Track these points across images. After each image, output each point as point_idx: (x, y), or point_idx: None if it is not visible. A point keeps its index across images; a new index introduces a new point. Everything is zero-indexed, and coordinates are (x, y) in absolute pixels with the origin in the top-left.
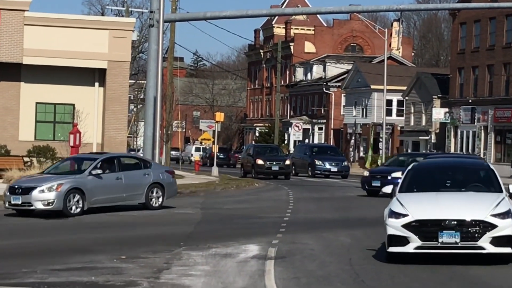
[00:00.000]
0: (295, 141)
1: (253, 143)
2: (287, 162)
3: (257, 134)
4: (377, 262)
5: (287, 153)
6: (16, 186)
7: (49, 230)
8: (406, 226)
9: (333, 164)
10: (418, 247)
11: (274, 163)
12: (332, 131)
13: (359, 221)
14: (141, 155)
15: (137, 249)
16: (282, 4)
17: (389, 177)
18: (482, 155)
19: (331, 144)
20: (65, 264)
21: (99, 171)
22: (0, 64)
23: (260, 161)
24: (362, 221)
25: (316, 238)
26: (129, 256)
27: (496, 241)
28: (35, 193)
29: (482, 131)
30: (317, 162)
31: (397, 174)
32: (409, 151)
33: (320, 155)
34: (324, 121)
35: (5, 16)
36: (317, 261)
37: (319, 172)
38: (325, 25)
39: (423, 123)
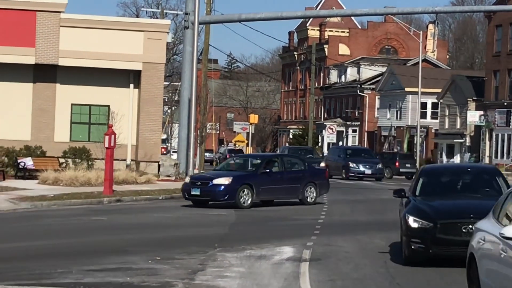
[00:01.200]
0: (328, 144)
1: (287, 145)
2: (322, 164)
3: (290, 136)
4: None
5: (321, 155)
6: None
7: (85, 230)
8: None
9: (367, 166)
10: None
11: None
12: (366, 133)
13: (394, 224)
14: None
15: (171, 250)
16: (317, 6)
17: (210, 184)
18: None
19: (365, 146)
20: (101, 264)
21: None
22: (36, 65)
23: None
24: (397, 223)
25: (351, 240)
26: (164, 257)
27: None
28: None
29: None
30: (351, 165)
31: (221, 181)
32: (443, 154)
33: (354, 157)
34: (358, 123)
35: (41, 18)
36: (352, 264)
37: (353, 174)
38: (360, 27)
39: (458, 126)
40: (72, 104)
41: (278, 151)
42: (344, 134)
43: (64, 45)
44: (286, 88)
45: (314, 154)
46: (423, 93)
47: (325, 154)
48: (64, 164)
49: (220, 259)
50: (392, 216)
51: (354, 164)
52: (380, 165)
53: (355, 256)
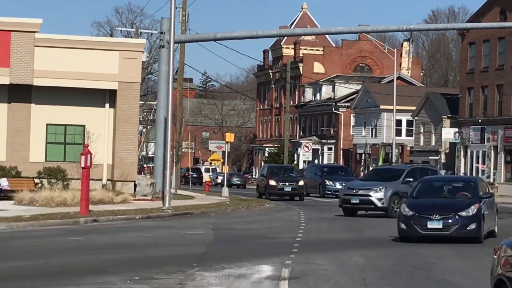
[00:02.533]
0: (304, 161)
1: (263, 163)
2: (301, 183)
3: (266, 155)
4: (392, 282)
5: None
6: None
7: (62, 251)
8: None
9: (343, 184)
10: None
11: (286, 183)
12: (341, 151)
13: (372, 241)
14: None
15: (150, 270)
16: (291, 25)
17: None
18: (492, 175)
19: (341, 164)
20: (79, 285)
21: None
22: (11, 85)
23: (272, 182)
24: (375, 241)
25: (329, 258)
26: (142, 277)
27: None
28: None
29: (492, 151)
30: (327, 182)
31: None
32: None
33: (330, 175)
34: (334, 141)
35: (16, 38)
36: (331, 282)
37: (329, 192)
38: (334, 45)
39: (433, 143)
40: (47, 124)
41: (255, 170)
42: (319, 152)
43: (39, 65)
44: (261, 107)
45: (295, 172)
46: (398, 111)
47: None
48: (40, 185)
49: (199, 279)
50: (370, 234)
51: (331, 182)
52: None
53: (334, 274)
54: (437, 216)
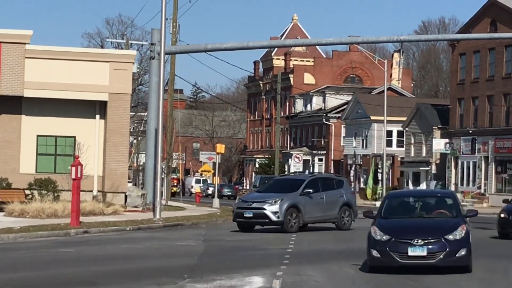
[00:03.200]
0: (295, 172)
1: (254, 174)
2: None
3: (257, 166)
4: None
5: None
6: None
7: (53, 262)
8: None
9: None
10: None
11: None
12: (332, 162)
13: (363, 252)
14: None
15: (141, 281)
16: (282, 36)
17: None
18: (482, 186)
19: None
20: None
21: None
22: (1, 97)
23: None
24: (365, 252)
25: (321, 269)
26: None
27: None
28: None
29: (483, 162)
30: None
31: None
32: (409, 182)
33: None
34: (324, 152)
35: (6, 49)
36: None
37: None
38: (325, 56)
39: (424, 154)
40: (38, 136)
41: (246, 181)
42: (310, 163)
43: (30, 76)
44: (251, 118)
45: None
46: (388, 122)
47: None
48: (30, 196)
49: None
50: (361, 245)
51: None
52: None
53: (325, 285)
54: (419, 241)
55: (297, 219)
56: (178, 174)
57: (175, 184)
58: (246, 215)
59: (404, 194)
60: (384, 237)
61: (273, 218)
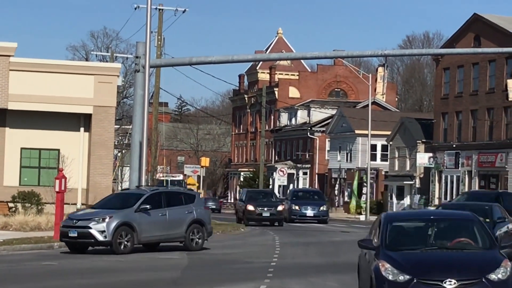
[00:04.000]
0: (279, 186)
1: (238, 188)
2: (280, 208)
3: (241, 179)
4: None
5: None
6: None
7: (36, 276)
8: None
9: (309, 208)
10: None
11: (265, 209)
12: (316, 176)
13: (347, 266)
14: None
15: None
16: (266, 49)
17: None
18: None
19: (316, 188)
20: None
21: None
22: None
23: (250, 207)
24: (350, 266)
25: (304, 283)
26: None
27: None
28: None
29: (466, 176)
30: (293, 207)
31: None
32: (393, 196)
33: (299, 199)
34: (309, 166)
35: None
36: None
37: (295, 217)
38: (309, 70)
39: (408, 168)
40: (21, 148)
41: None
42: (295, 177)
43: (14, 89)
44: (236, 131)
45: (274, 197)
46: (373, 136)
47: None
48: (14, 209)
49: None
50: (345, 258)
51: (297, 207)
52: (324, 207)
53: None
54: (453, 282)
55: (130, 239)
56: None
57: None
58: (71, 234)
59: (410, 216)
60: (402, 277)
61: (100, 237)
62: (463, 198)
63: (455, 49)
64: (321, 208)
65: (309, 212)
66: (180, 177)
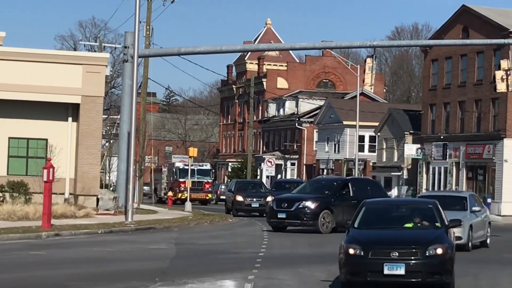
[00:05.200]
0: (267, 177)
1: (226, 178)
2: (269, 198)
3: (229, 170)
4: None
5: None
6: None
7: (23, 265)
8: None
9: (254, 200)
10: None
11: (254, 199)
12: (304, 166)
13: (334, 256)
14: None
15: (112, 284)
16: (255, 40)
17: None
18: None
19: (303, 179)
20: None
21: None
22: None
23: (239, 198)
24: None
25: (292, 273)
26: None
27: None
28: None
29: (454, 167)
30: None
31: None
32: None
33: (281, 190)
34: (297, 156)
35: None
36: None
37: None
38: (298, 61)
39: (395, 159)
40: (9, 138)
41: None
42: (283, 167)
43: (2, 78)
44: (224, 122)
45: (263, 188)
46: (360, 127)
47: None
48: (1, 198)
49: None
50: (332, 249)
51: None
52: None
53: None
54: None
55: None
56: (210, 179)
57: (210, 189)
58: None
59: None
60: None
61: None
62: (308, 187)
63: (444, 41)
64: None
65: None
66: (208, 166)
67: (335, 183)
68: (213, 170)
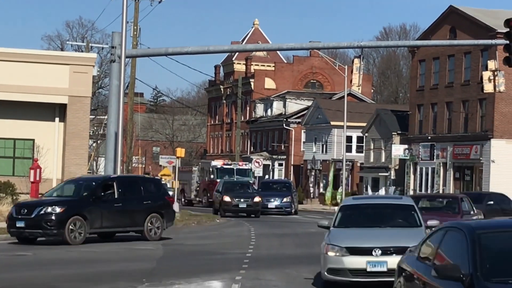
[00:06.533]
0: (255, 177)
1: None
2: (256, 199)
3: None
4: None
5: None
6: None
7: (10, 266)
8: None
9: (271, 200)
10: None
11: (241, 200)
12: (292, 167)
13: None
14: None
15: (99, 285)
16: (243, 40)
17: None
18: (441, 192)
19: (291, 179)
20: None
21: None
22: None
23: (227, 198)
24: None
25: (279, 274)
26: None
27: None
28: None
29: (441, 168)
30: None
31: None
32: (369, 188)
33: (266, 191)
34: (284, 157)
35: None
36: None
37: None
38: (285, 61)
39: (383, 160)
40: None
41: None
42: (270, 168)
43: None
44: (212, 122)
45: (251, 188)
46: (348, 127)
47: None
48: None
49: None
50: (320, 250)
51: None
52: (287, 199)
53: None
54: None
55: None
56: (251, 179)
57: None
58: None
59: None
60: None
61: None
62: (61, 188)
63: (431, 41)
64: (284, 199)
65: (270, 203)
66: (248, 165)
67: (94, 183)
68: (252, 170)
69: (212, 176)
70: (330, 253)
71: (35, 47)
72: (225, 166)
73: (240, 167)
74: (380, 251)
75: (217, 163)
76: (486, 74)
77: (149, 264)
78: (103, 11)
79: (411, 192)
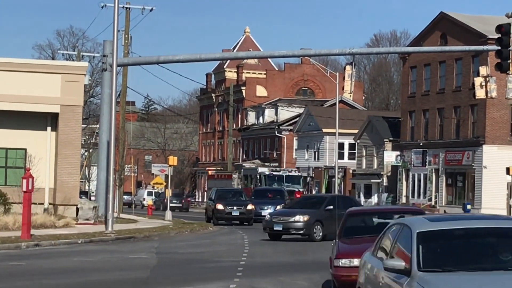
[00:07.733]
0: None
1: (207, 187)
2: (249, 207)
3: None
4: None
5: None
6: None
7: (3, 276)
8: None
9: (264, 208)
10: None
11: (234, 208)
12: None
13: (316, 265)
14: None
15: None
16: (234, 48)
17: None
18: (433, 198)
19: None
20: None
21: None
22: None
23: (220, 206)
24: (319, 264)
25: (274, 282)
26: None
27: None
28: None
29: (433, 174)
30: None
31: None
32: (361, 194)
33: (260, 199)
34: (277, 164)
35: None
36: None
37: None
38: (277, 69)
39: (375, 166)
40: None
41: (198, 194)
42: None
43: None
44: (204, 130)
45: (244, 196)
46: (340, 134)
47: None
48: None
49: None
50: (313, 257)
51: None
52: (280, 206)
53: None
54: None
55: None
56: (302, 187)
57: None
58: None
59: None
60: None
61: None
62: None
63: (422, 48)
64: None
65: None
66: (297, 172)
67: None
68: (302, 177)
69: (259, 184)
70: None
71: (26, 56)
72: (274, 173)
73: (290, 174)
74: None
75: (264, 169)
76: (478, 80)
77: (143, 273)
78: (94, 20)
79: (404, 199)
